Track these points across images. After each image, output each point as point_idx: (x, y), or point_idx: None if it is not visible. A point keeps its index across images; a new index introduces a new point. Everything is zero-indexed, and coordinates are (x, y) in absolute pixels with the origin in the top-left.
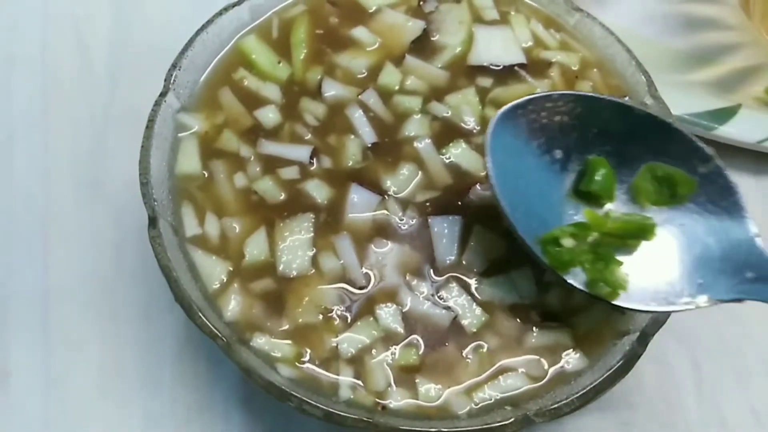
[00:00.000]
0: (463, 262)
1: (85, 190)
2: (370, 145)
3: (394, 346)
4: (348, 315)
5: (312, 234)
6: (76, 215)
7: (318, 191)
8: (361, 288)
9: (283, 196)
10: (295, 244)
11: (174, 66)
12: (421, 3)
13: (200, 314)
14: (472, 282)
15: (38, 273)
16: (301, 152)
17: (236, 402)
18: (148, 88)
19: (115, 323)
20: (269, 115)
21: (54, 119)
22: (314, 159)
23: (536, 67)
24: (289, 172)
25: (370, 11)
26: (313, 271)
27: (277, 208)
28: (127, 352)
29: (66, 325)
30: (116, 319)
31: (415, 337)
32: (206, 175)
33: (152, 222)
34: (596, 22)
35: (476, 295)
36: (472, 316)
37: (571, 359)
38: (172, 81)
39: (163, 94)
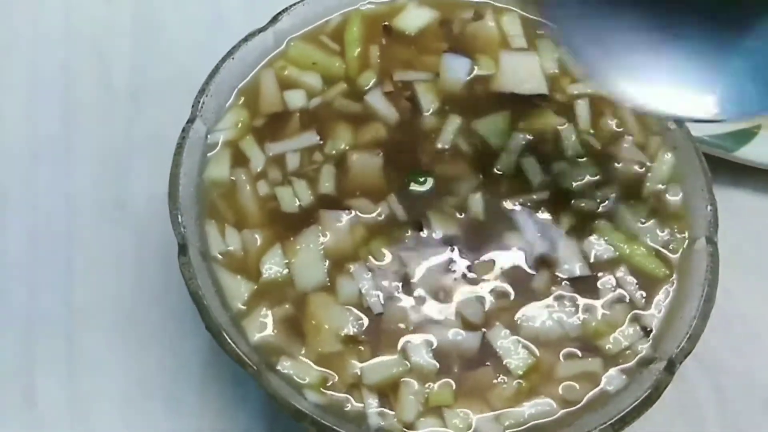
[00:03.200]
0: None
1: (109, 212)
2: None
3: (428, 384)
4: (370, 341)
5: (322, 248)
6: (99, 237)
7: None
8: (379, 314)
9: (297, 203)
10: (308, 257)
11: (201, 92)
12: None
13: (230, 341)
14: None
15: (62, 295)
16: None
17: (261, 425)
18: (171, 110)
19: (139, 347)
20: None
21: (77, 141)
22: (322, 139)
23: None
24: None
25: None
26: (329, 287)
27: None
28: (151, 377)
29: (91, 349)
30: (141, 343)
31: (447, 372)
32: (233, 180)
33: (182, 249)
34: None
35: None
36: (517, 358)
37: (611, 380)
38: (199, 108)
39: (190, 121)
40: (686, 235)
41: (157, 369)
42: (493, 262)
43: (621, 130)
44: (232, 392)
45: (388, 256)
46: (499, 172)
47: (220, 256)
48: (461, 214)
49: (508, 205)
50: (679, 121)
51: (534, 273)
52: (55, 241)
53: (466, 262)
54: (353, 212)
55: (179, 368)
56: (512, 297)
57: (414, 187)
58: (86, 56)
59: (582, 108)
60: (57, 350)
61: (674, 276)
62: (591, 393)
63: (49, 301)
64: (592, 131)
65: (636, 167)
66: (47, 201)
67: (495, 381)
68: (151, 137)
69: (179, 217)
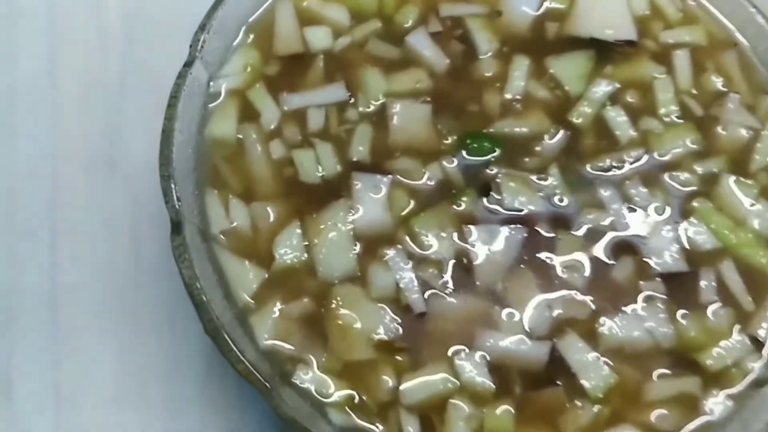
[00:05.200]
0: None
1: (98, 171)
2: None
3: (482, 407)
4: (410, 349)
5: (351, 228)
6: (88, 201)
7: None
8: (421, 314)
9: (321, 172)
10: (334, 239)
11: (201, 29)
12: None
13: (235, 349)
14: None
15: (45, 269)
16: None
17: (271, 424)
18: (172, 49)
19: (133, 330)
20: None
21: (62, 88)
22: (352, 94)
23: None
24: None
25: None
26: (359, 277)
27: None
28: (147, 365)
29: (77, 331)
30: (135, 325)
31: (507, 393)
32: (240, 139)
33: (176, 227)
34: None
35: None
36: (595, 377)
37: (714, 406)
38: (199, 48)
39: (188, 64)
40: None
41: (153, 354)
42: (572, 246)
43: (726, 89)
44: (238, 388)
45: (436, 238)
46: (578, 125)
47: (222, 237)
48: (542, 180)
49: (589, 170)
50: None
51: (615, 263)
52: (37, 206)
53: (538, 246)
54: (394, 176)
55: (179, 353)
56: (592, 298)
57: (476, 149)
58: None
59: (682, 60)
60: (39, 335)
61: None
62: (689, 422)
63: (31, 273)
64: (694, 91)
65: (743, 132)
66: (27, 156)
67: (567, 405)
68: (148, 81)
69: (173, 186)
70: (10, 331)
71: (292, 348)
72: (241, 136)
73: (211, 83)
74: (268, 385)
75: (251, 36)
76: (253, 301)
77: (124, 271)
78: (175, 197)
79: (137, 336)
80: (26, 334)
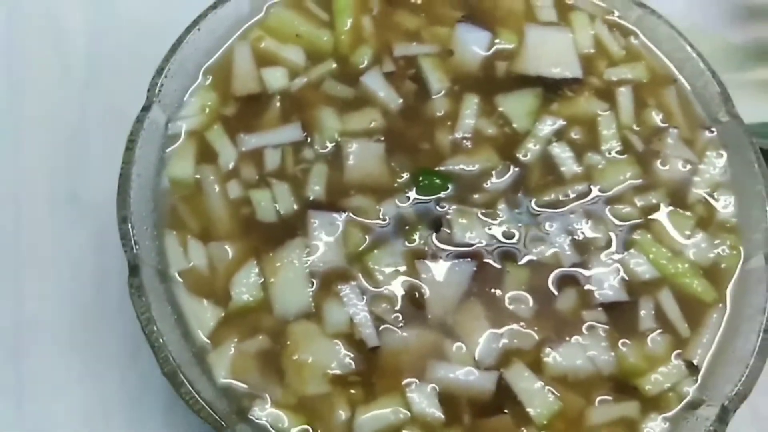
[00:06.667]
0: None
1: (61, 206)
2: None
3: None
4: (363, 383)
5: (307, 266)
6: (51, 236)
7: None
8: (375, 348)
9: (277, 210)
10: (289, 276)
11: (159, 73)
12: None
13: (191, 389)
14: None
15: (9, 304)
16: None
17: None
18: (134, 85)
19: (97, 363)
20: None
21: (25, 122)
22: (308, 134)
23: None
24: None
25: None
26: (314, 314)
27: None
28: (111, 398)
29: (43, 366)
30: (99, 359)
31: (456, 422)
32: (198, 179)
33: (133, 270)
34: (662, 20)
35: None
36: (540, 404)
37: (653, 428)
38: (156, 92)
39: (145, 108)
40: (740, 251)
41: (119, 388)
42: (519, 279)
43: (666, 125)
44: (201, 423)
45: (389, 274)
46: (525, 161)
47: (179, 277)
48: (490, 215)
49: (535, 205)
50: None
51: (559, 294)
52: (1, 240)
53: (486, 279)
54: (349, 214)
55: (144, 386)
56: (537, 328)
57: (427, 186)
58: (36, 27)
59: (625, 96)
60: (2, 370)
61: (726, 301)
62: None
63: None
64: (636, 126)
65: (681, 166)
66: None
67: None
68: (110, 117)
69: (130, 229)
70: None
71: (249, 385)
72: (199, 177)
73: (170, 125)
74: (223, 423)
75: (209, 78)
76: (209, 341)
77: (87, 305)
78: (132, 240)
79: (101, 370)
80: None
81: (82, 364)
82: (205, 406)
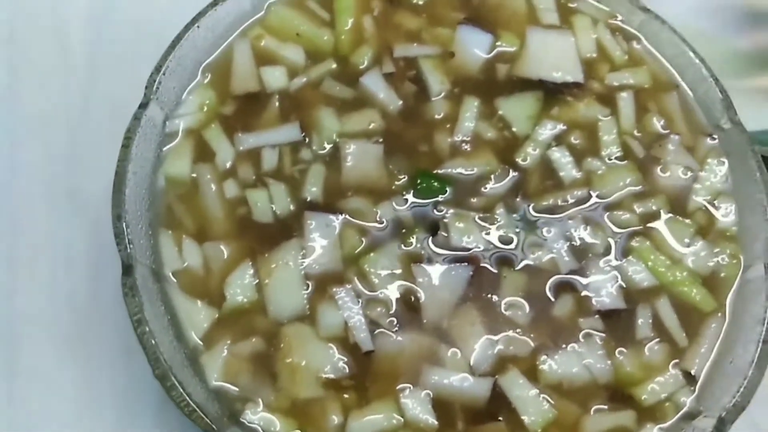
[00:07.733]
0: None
1: (58, 201)
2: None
3: None
4: (356, 387)
5: (302, 267)
6: (47, 229)
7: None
8: (369, 352)
9: (273, 211)
10: (285, 278)
11: (157, 70)
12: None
13: (183, 392)
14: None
15: (3, 298)
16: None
17: None
18: (133, 82)
19: (90, 360)
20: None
21: (23, 115)
22: (306, 134)
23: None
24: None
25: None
26: (309, 316)
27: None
28: (103, 396)
29: (35, 363)
30: (92, 356)
31: (450, 429)
32: (195, 178)
33: (126, 270)
34: (665, 25)
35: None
36: (535, 412)
37: None
38: (154, 89)
39: (143, 106)
40: (740, 260)
41: (111, 387)
42: (516, 284)
43: (667, 131)
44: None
45: (385, 277)
46: (524, 166)
47: (174, 277)
48: (488, 219)
49: (533, 210)
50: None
51: (556, 301)
52: None
53: (483, 284)
54: (346, 216)
55: (137, 386)
56: (533, 335)
57: (425, 188)
58: (39, 15)
59: (626, 102)
60: None
61: (725, 310)
62: None
63: None
64: (637, 132)
65: (681, 173)
66: None
67: None
68: (109, 111)
69: (125, 228)
70: None
71: (241, 388)
72: (195, 176)
73: (167, 122)
74: (215, 427)
75: (208, 76)
76: (202, 343)
77: (82, 301)
78: (126, 239)
79: (94, 367)
80: None
81: (74, 362)
82: (197, 408)
